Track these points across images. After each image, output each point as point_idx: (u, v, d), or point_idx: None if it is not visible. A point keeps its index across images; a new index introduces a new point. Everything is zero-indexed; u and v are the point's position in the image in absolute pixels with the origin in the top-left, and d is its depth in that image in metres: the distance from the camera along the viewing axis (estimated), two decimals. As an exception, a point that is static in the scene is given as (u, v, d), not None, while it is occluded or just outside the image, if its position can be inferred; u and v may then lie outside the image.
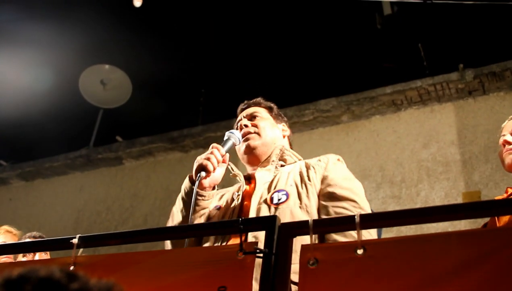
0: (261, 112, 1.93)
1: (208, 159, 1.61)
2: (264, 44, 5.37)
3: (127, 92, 5.85)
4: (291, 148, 1.94)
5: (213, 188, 1.72)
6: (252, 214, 1.58)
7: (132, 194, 5.75)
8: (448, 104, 4.68)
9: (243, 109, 1.99)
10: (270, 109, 1.97)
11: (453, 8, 4.32)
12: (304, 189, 1.61)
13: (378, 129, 4.85)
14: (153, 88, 5.79)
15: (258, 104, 1.97)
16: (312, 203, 1.58)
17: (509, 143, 1.85)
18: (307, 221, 1.06)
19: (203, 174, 1.58)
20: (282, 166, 1.77)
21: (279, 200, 1.59)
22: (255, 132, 1.83)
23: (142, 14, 4.00)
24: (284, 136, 1.93)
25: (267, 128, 1.85)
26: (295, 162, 1.79)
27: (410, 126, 4.73)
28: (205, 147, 5.76)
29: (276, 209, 1.56)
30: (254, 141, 1.82)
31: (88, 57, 5.65)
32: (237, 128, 1.89)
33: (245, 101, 2.01)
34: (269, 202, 1.60)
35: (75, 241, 1.22)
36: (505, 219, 1.64)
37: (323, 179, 1.63)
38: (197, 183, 1.58)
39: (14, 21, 5.11)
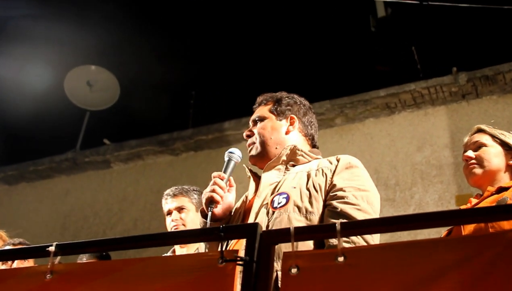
0: (264, 113, 1.85)
1: (213, 190, 1.61)
2: (256, 47, 5.32)
3: (114, 94, 5.74)
4: (308, 137, 1.84)
5: (230, 212, 1.72)
6: (251, 217, 1.57)
7: (121, 198, 5.62)
8: (442, 107, 4.68)
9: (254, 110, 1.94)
10: (274, 105, 1.85)
11: (447, 12, 4.32)
12: (308, 192, 1.56)
13: (372, 132, 4.83)
14: (141, 90, 5.69)
15: (261, 104, 1.88)
16: (315, 209, 1.52)
17: (470, 158, 1.86)
18: (288, 229, 1.07)
19: (213, 206, 1.62)
20: (293, 165, 1.71)
21: (279, 203, 1.55)
22: (253, 142, 1.81)
23: (132, 14, 3.92)
24: (288, 132, 1.81)
25: (266, 134, 1.79)
26: (309, 161, 1.71)
27: (404, 130, 4.71)
28: (196, 149, 5.72)
29: (273, 212, 1.54)
30: (253, 152, 1.80)
31: (74, 58, 5.54)
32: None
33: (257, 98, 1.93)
34: (269, 205, 1.58)
35: (51, 248, 1.20)
36: (469, 227, 1.64)
37: (331, 187, 1.56)
38: (209, 215, 1.60)
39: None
